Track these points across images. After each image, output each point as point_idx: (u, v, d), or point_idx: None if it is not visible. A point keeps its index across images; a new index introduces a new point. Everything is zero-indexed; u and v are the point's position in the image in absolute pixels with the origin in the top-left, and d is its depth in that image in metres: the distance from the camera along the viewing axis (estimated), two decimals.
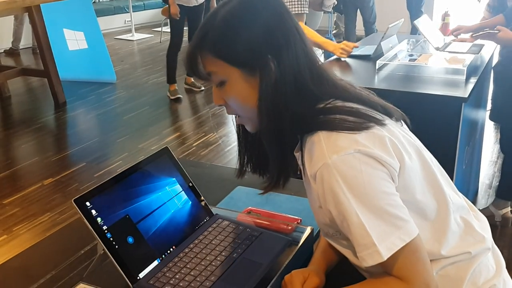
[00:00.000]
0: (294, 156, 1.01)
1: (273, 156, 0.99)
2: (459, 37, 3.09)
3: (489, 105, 3.65)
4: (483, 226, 1.05)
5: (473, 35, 2.79)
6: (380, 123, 0.92)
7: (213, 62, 0.94)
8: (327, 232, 1.01)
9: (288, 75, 0.92)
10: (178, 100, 5.22)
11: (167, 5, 5.18)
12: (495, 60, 3.19)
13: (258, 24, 0.92)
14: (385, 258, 0.84)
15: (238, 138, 1.10)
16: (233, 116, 1.04)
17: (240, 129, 1.08)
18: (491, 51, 2.96)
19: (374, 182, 0.86)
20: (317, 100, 0.95)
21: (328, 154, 0.86)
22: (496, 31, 2.61)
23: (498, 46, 3.00)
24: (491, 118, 3.02)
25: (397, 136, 0.93)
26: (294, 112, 0.93)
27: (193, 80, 5.51)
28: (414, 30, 3.59)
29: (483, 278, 1.00)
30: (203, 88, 5.52)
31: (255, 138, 1.05)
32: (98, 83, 5.74)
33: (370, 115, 0.93)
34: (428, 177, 0.96)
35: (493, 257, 1.04)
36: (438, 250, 0.96)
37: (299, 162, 0.99)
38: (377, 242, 0.84)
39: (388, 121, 0.95)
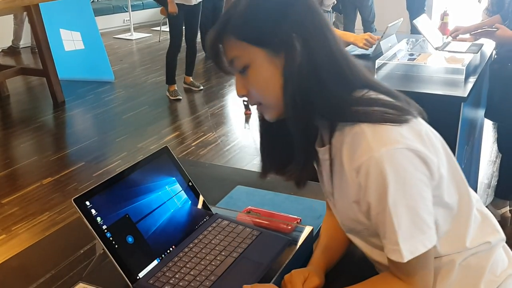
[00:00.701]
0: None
1: (299, 144, 0.96)
2: (458, 37, 3.09)
3: None
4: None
5: (472, 33, 2.79)
6: (414, 116, 0.92)
7: (236, 46, 0.92)
8: (354, 228, 1.00)
9: (318, 56, 0.90)
10: (178, 100, 5.22)
11: (162, 6, 5.20)
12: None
13: (282, 3, 0.90)
14: (405, 260, 0.86)
15: (261, 136, 1.07)
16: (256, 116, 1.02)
17: (264, 125, 1.04)
18: (490, 50, 2.96)
19: (416, 184, 0.86)
20: (353, 88, 0.93)
21: (376, 146, 0.85)
22: (494, 29, 2.61)
23: (494, 44, 3.01)
24: (486, 116, 3.03)
25: (428, 130, 0.94)
26: (327, 97, 0.90)
27: (192, 80, 5.51)
28: (414, 30, 3.59)
29: (500, 268, 1.03)
30: (202, 87, 5.52)
31: (279, 134, 1.03)
32: (97, 82, 5.73)
33: (404, 108, 0.93)
34: (452, 171, 0.96)
35: (503, 249, 1.07)
36: (463, 242, 0.98)
37: (324, 156, 0.97)
38: (401, 242, 0.86)
39: (416, 114, 0.95)
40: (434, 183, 0.90)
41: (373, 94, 0.94)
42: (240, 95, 0.97)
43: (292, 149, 0.99)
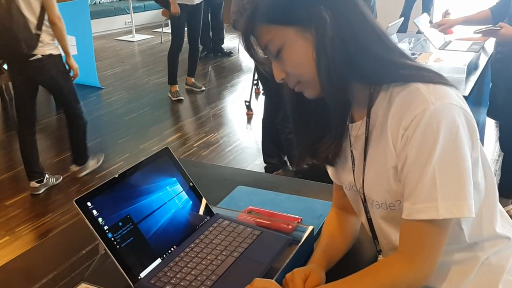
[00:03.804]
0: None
1: (336, 116, 0.96)
2: (461, 34, 3.09)
3: None
4: None
5: (475, 32, 2.79)
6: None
7: (267, 31, 0.93)
8: (383, 203, 0.98)
9: (352, 22, 0.90)
10: (180, 101, 5.23)
11: (163, 8, 5.20)
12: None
13: None
14: (441, 217, 0.85)
15: (294, 118, 1.07)
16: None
17: (296, 106, 1.05)
18: (491, 49, 2.96)
19: (464, 146, 0.86)
20: (394, 52, 0.94)
21: (431, 99, 0.85)
22: (498, 28, 2.61)
23: (494, 43, 3.01)
24: (488, 114, 3.03)
25: None
26: (373, 60, 0.90)
27: (193, 81, 5.52)
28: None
29: None
30: (203, 88, 5.53)
31: (311, 113, 1.04)
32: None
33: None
34: (482, 154, 0.96)
35: None
36: (489, 230, 0.98)
37: (359, 131, 0.97)
38: (440, 199, 0.84)
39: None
40: (474, 156, 0.89)
41: (411, 62, 0.95)
42: (280, 79, 0.97)
43: (325, 126, 1.01)
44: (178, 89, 5.30)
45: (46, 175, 3.43)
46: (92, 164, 3.67)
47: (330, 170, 1.15)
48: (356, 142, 1.01)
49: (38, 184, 3.37)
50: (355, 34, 0.90)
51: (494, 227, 1.00)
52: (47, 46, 3.08)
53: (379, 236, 1.07)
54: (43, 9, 3.00)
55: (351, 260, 1.15)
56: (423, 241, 0.89)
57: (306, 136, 1.06)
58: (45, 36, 3.06)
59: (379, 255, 1.12)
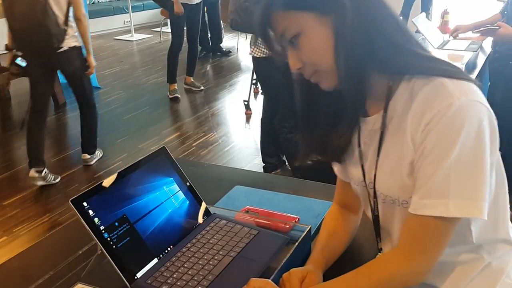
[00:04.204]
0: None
1: (352, 106, 0.94)
2: (459, 36, 3.09)
3: None
4: None
5: (474, 31, 2.79)
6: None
7: (284, 17, 0.89)
8: (396, 199, 0.96)
9: (373, 9, 0.88)
10: (176, 99, 5.24)
11: (162, 7, 5.20)
12: None
13: None
14: (450, 215, 0.83)
15: (302, 109, 1.04)
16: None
17: (306, 96, 1.02)
18: (489, 48, 2.96)
19: (486, 146, 0.84)
20: (414, 42, 0.92)
21: (457, 94, 0.83)
22: (496, 27, 2.61)
23: (491, 42, 3.01)
24: None
25: None
26: (394, 49, 0.88)
27: (192, 80, 5.52)
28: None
29: None
30: (202, 87, 5.52)
31: (321, 105, 1.01)
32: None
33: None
34: (498, 156, 0.94)
35: None
36: (501, 232, 0.98)
37: (375, 125, 0.95)
38: (452, 197, 0.83)
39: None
40: (492, 159, 0.87)
41: (432, 55, 0.93)
42: (295, 69, 0.94)
43: (336, 121, 0.99)
44: (176, 87, 5.31)
45: (46, 170, 3.48)
46: (98, 153, 3.91)
47: (336, 165, 1.13)
48: (369, 137, 0.98)
49: (37, 174, 3.43)
50: (375, 21, 0.87)
51: (502, 231, 0.99)
52: (71, 39, 3.34)
53: (382, 234, 1.07)
54: (69, 6, 3.28)
55: (351, 259, 1.14)
56: (425, 237, 0.87)
57: (314, 131, 1.04)
58: (70, 30, 3.33)
59: (380, 252, 1.11)
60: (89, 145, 3.81)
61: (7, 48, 3.60)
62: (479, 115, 0.83)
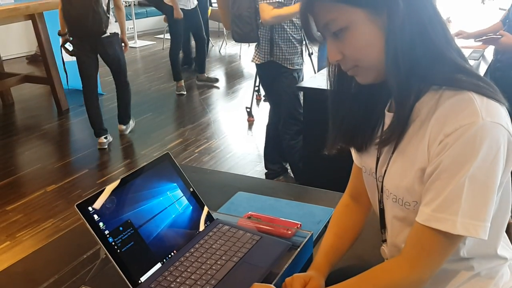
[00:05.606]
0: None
1: (399, 102, 0.92)
2: (462, 42, 3.11)
3: None
4: None
5: (476, 40, 2.80)
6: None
7: (332, 9, 0.88)
8: (400, 199, 0.96)
9: (423, 12, 0.87)
10: (181, 95, 5.57)
11: (164, 14, 5.42)
12: None
13: None
14: (456, 233, 0.84)
15: (334, 106, 1.04)
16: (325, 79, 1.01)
17: (337, 91, 1.03)
18: (491, 57, 2.97)
19: (499, 168, 0.85)
20: (455, 50, 0.91)
21: (482, 114, 0.83)
22: (499, 36, 2.63)
23: (493, 51, 3.02)
24: None
25: None
26: (435, 57, 0.88)
27: (207, 75, 5.85)
28: None
29: (503, 281, 1.03)
30: (218, 78, 5.88)
31: (354, 98, 1.02)
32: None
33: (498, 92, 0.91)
34: (508, 179, 0.95)
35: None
36: (494, 248, 0.98)
37: (393, 121, 0.94)
38: (460, 215, 0.84)
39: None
40: (502, 180, 0.88)
41: (469, 66, 0.93)
42: (335, 61, 0.94)
43: (367, 113, 1.01)
44: (183, 84, 5.65)
45: (108, 135, 4.31)
46: (131, 123, 4.62)
47: (355, 152, 1.13)
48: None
49: (105, 140, 4.24)
50: (423, 25, 0.87)
51: (495, 248, 0.99)
52: (112, 25, 3.98)
53: (387, 227, 1.07)
54: None
55: (354, 251, 1.15)
56: (430, 248, 0.89)
57: (344, 122, 1.04)
58: (111, 18, 3.97)
59: (384, 243, 1.11)
60: (125, 116, 4.51)
61: (59, 33, 4.12)
62: (498, 139, 0.84)
